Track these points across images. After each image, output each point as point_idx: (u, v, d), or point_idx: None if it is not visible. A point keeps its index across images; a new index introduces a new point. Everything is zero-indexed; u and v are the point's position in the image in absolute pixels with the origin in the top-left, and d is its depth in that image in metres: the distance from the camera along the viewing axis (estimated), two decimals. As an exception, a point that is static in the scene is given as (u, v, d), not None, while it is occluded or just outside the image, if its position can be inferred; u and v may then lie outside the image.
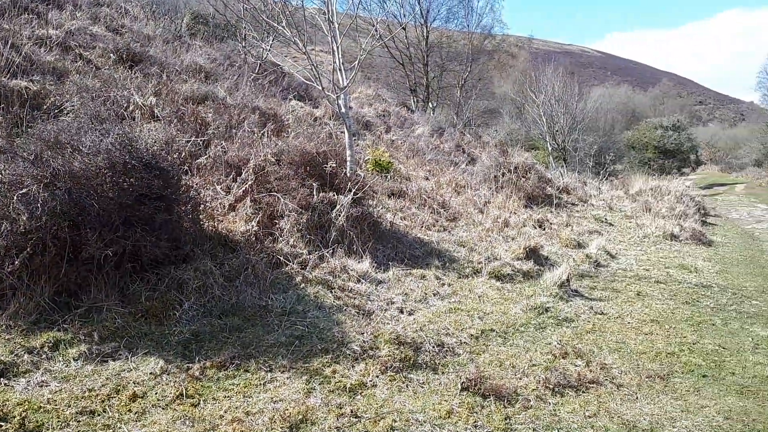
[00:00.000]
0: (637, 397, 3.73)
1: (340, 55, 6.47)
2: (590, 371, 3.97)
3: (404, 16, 22.21)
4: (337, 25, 6.55)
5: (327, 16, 6.20)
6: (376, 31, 7.11)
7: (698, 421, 3.49)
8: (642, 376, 4.02)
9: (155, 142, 5.15)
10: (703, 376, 4.13)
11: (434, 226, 7.79)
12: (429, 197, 8.91)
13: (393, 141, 13.55)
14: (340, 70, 6.52)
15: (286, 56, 17.57)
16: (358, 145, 11.64)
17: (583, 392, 3.72)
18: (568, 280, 5.85)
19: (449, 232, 7.78)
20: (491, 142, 19.63)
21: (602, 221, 10.48)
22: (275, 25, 6.54)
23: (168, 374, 3.38)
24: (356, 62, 6.77)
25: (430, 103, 23.29)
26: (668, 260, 8.02)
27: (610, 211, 11.88)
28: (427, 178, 10.94)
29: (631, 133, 34.50)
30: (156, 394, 3.18)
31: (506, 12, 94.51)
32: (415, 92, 23.01)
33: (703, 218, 12.69)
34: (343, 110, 6.65)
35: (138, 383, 3.25)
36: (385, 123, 14.64)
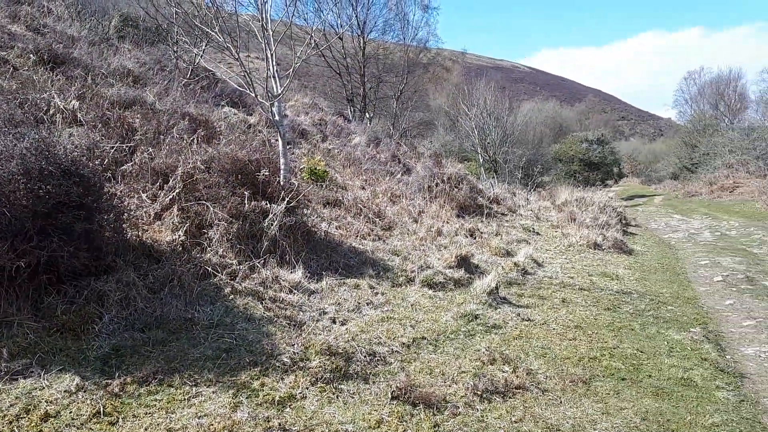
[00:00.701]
0: (560, 401, 3.87)
1: (274, 63, 6.41)
2: (517, 377, 4.09)
3: (341, 26, 22.28)
4: (271, 33, 6.49)
5: (261, 24, 6.13)
6: (312, 39, 7.08)
7: (617, 422, 3.66)
8: (566, 381, 4.18)
9: (76, 147, 4.92)
10: (623, 379, 4.33)
11: (369, 236, 7.82)
12: (365, 206, 8.95)
13: (329, 150, 13.54)
14: (274, 77, 6.46)
15: (220, 62, 17.26)
16: (293, 154, 11.54)
17: (510, 398, 3.83)
18: (496, 288, 6.01)
19: (384, 241, 7.83)
20: (426, 153, 19.98)
21: (530, 231, 10.85)
22: (207, 30, 6.40)
23: (84, 391, 3.21)
24: (291, 70, 6.72)
25: (367, 114, 23.43)
26: (591, 268, 8.40)
27: (537, 221, 12.32)
28: (364, 188, 10.99)
29: (559, 146, 36.00)
30: (70, 412, 3.02)
31: (441, 26, 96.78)
32: (352, 102, 23.08)
33: (625, 228, 13.37)
34: (277, 118, 6.58)
35: (51, 402, 3.07)
36: (321, 132, 14.60)
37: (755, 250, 11.59)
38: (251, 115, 11.89)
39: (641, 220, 17.85)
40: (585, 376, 4.30)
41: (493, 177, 22.88)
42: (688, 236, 13.90)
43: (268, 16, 6.37)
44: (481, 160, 20.15)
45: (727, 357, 5.23)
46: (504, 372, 4.17)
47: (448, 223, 9.77)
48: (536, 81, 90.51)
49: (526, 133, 32.72)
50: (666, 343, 5.32)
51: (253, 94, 6.23)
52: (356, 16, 22.38)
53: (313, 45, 6.80)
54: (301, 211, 6.35)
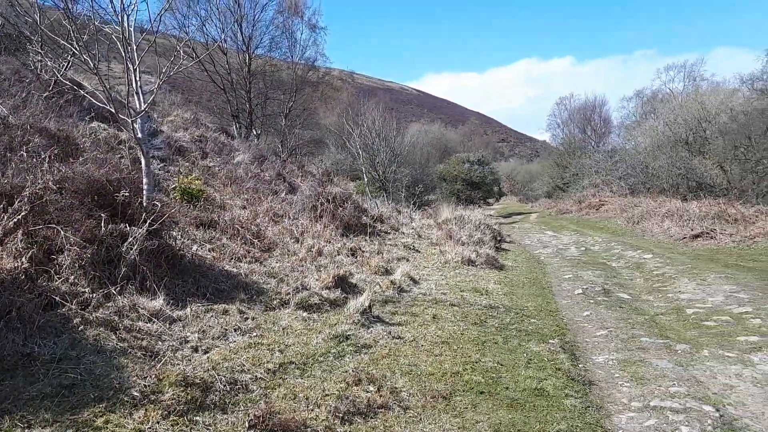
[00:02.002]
0: (420, 418, 3.95)
1: (137, 78, 6.10)
2: (380, 396, 4.13)
3: (225, 41, 21.81)
4: (135, 47, 6.18)
5: (122, 37, 5.82)
6: (181, 53, 6.83)
7: (472, 435, 3.80)
8: (427, 397, 4.28)
9: None
10: (481, 393, 4.52)
11: (245, 258, 7.62)
12: (243, 227, 8.71)
13: (209, 168, 13.09)
14: (137, 93, 6.14)
15: (95, 73, 16.17)
16: (168, 172, 11.04)
17: (372, 418, 3.85)
18: (369, 307, 6.08)
19: (261, 263, 7.66)
20: (317, 172, 19.97)
21: (410, 248, 11.13)
22: (56, 38, 5.97)
23: None
24: (156, 86, 6.43)
25: (253, 131, 23.01)
26: (464, 284, 8.76)
27: (419, 238, 12.68)
28: (245, 207, 10.71)
29: (443, 166, 37.50)
30: None
31: (330, 47, 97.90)
32: (238, 118, 22.57)
33: (498, 245, 14.13)
34: (139, 135, 6.25)
35: None
36: (201, 149, 14.09)
37: (613, 263, 12.70)
38: (122, 130, 11.23)
39: (516, 236, 18.97)
40: (446, 391, 4.43)
41: (384, 196, 23.34)
42: (557, 251, 14.95)
43: (132, 29, 6.07)
44: (366, 180, 20.44)
45: (580, 366, 5.64)
46: (368, 392, 4.19)
47: (330, 242, 9.76)
48: (423, 103, 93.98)
49: (413, 153, 33.74)
50: (525, 355, 5.64)
51: (113, 110, 5.87)
52: (241, 32, 22.02)
53: (182, 59, 6.54)
54: (168, 234, 6.05)
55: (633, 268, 11.89)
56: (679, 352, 6.09)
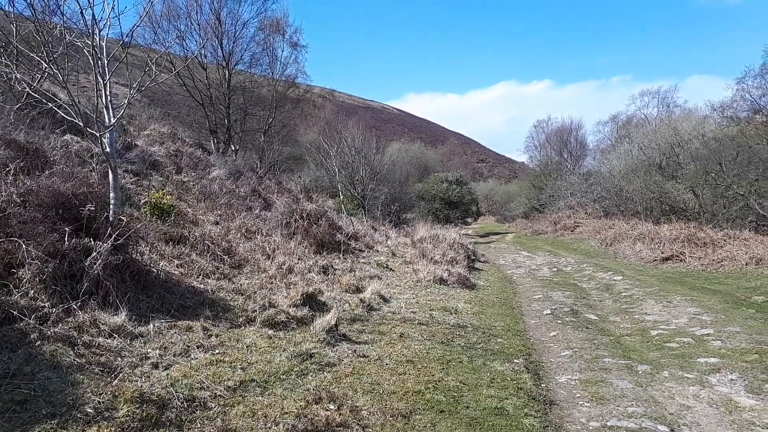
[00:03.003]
0: (379, 437, 3.96)
1: (107, 92, 6.10)
2: (340, 414, 4.13)
3: (205, 56, 21.83)
4: (106, 61, 6.19)
5: (92, 51, 5.82)
6: (164, 66, 6.85)
7: (429, 454, 3.82)
8: (387, 416, 4.29)
9: None
10: (441, 411, 4.54)
11: (214, 274, 7.58)
12: (213, 243, 8.68)
13: (184, 182, 13.02)
14: (106, 107, 6.13)
15: (74, 85, 16.06)
16: (140, 186, 10.96)
17: (329, 437, 3.85)
18: (336, 325, 6.08)
19: (230, 279, 7.62)
20: (295, 188, 19.95)
21: (384, 267, 11.17)
22: (26, 51, 5.96)
23: None
24: (127, 99, 6.43)
25: (232, 146, 22.97)
26: (434, 303, 8.80)
27: (393, 257, 12.72)
28: (217, 223, 10.67)
29: (422, 185, 37.77)
30: None
31: (310, 65, 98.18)
32: (216, 134, 22.52)
33: (472, 264, 14.24)
34: (107, 149, 6.22)
35: None
36: (176, 163, 14.02)
37: (584, 284, 12.87)
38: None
39: (491, 256, 19.13)
40: (407, 410, 4.45)
41: (362, 213, 23.40)
42: (529, 272, 15.11)
43: (104, 44, 6.08)
44: (342, 197, 20.51)
45: (542, 386, 5.71)
46: (328, 410, 4.19)
47: (302, 260, 9.76)
48: (404, 122, 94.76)
49: (393, 172, 33.97)
50: (489, 374, 5.69)
51: (81, 124, 5.84)
52: (221, 48, 22.08)
53: (158, 72, 6.55)
54: (133, 249, 6.01)
55: (603, 289, 12.07)
56: (640, 372, 6.21)
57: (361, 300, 7.75)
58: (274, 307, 6.54)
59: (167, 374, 4.40)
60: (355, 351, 5.75)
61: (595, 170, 37.39)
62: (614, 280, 13.07)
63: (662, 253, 16.35)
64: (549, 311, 9.39)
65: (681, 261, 15.40)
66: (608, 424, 4.71)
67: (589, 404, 5.21)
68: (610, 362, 6.52)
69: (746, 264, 13.28)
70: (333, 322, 6.04)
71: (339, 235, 12.58)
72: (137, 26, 6.30)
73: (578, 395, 5.47)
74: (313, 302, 7.11)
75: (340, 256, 11.34)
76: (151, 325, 5.22)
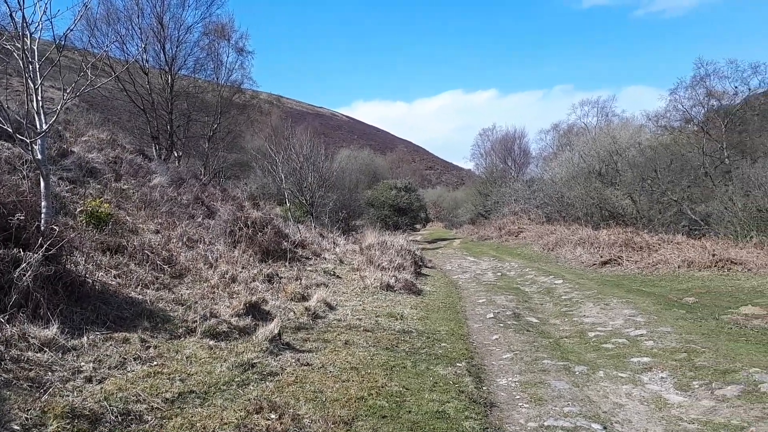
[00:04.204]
0: (320, 445, 3.96)
1: (39, 96, 5.87)
2: (281, 423, 4.10)
3: (147, 61, 21.27)
4: (38, 66, 5.96)
5: (23, 55, 5.60)
6: (102, 69, 6.63)
7: (370, 459, 3.84)
8: (329, 423, 4.29)
9: None
10: (383, 417, 4.58)
11: (153, 284, 7.38)
12: (153, 252, 8.45)
13: (123, 190, 12.63)
14: (38, 113, 5.90)
15: (6, 89, 15.26)
16: (77, 194, 10.56)
17: (270, 446, 3.82)
18: (279, 334, 6.03)
19: (170, 289, 7.44)
20: (241, 196, 19.64)
21: (331, 274, 11.15)
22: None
23: None
24: (60, 105, 6.20)
25: (174, 153, 22.42)
26: (381, 309, 8.86)
27: (340, 264, 12.72)
28: (158, 232, 10.39)
29: (371, 192, 37.93)
30: None
31: (257, 70, 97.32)
32: (158, 140, 21.92)
33: (419, 270, 14.40)
34: (39, 156, 5.99)
35: None
36: (115, 171, 13.59)
37: (526, 288, 13.22)
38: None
39: (438, 261, 19.38)
40: (349, 416, 4.46)
41: (310, 220, 23.25)
42: (474, 276, 15.40)
43: (35, 48, 5.85)
44: (289, 205, 20.35)
45: (483, 388, 5.83)
46: (269, 420, 4.16)
47: (246, 269, 9.62)
48: (353, 129, 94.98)
49: (343, 179, 33.97)
50: (432, 378, 5.77)
51: (10, 129, 5.60)
52: (164, 53, 21.56)
53: (94, 76, 6.36)
54: (67, 259, 5.79)
55: (544, 293, 12.44)
56: (577, 373, 6.43)
57: (306, 308, 7.72)
58: (216, 317, 6.43)
59: (101, 388, 4.26)
60: (298, 360, 5.72)
61: (538, 177, 38.56)
62: (555, 283, 13.48)
63: (601, 257, 16.98)
64: (492, 315, 9.60)
65: (619, 264, 16.03)
66: (545, 424, 4.86)
67: (528, 405, 5.36)
68: (549, 364, 6.73)
69: (678, 267, 13.96)
70: (276, 331, 5.99)
71: (285, 243, 12.48)
72: (71, 29, 6.09)
73: (518, 397, 5.62)
74: (257, 311, 7.03)
75: (287, 264, 11.25)
76: (85, 337, 5.04)
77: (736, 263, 12.90)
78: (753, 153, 26.32)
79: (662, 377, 6.22)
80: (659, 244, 16.69)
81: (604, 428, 4.80)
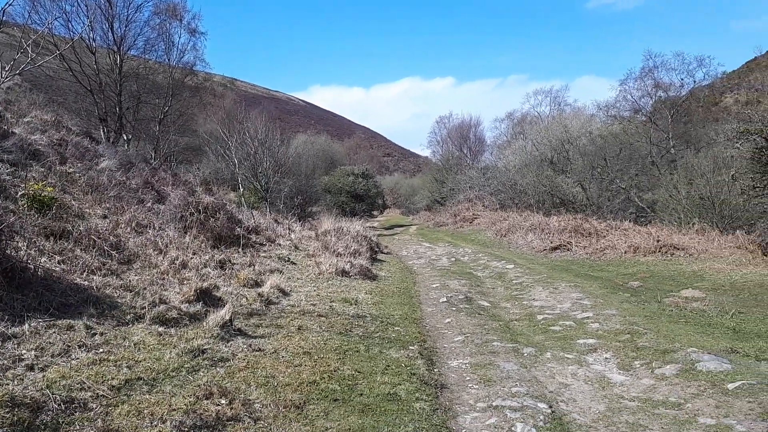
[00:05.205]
0: (271, 428, 3.97)
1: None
2: (231, 408, 4.09)
3: (94, 40, 20.42)
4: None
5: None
6: (45, 48, 6.34)
7: (321, 441, 3.88)
8: (280, 407, 4.30)
9: None
10: (335, 400, 4.62)
11: (100, 270, 7.17)
12: (100, 237, 8.20)
13: (69, 174, 12.16)
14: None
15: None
16: (18, 178, 10.12)
17: (220, 431, 3.81)
18: (231, 320, 5.98)
19: (118, 276, 7.25)
20: (193, 180, 19.19)
21: (285, 260, 11.08)
22: None
23: None
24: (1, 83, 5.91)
25: (123, 135, 21.69)
26: (335, 294, 8.88)
27: (295, 250, 12.65)
28: (105, 217, 10.08)
29: (328, 178, 37.72)
30: None
31: (210, 52, 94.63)
32: (106, 122, 21.14)
33: (374, 255, 14.47)
34: (-25, 138, 5.70)
35: None
36: (60, 153, 13.06)
37: (479, 273, 13.47)
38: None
39: (394, 247, 19.51)
40: (301, 400, 4.49)
41: (265, 206, 22.97)
42: (429, 262, 15.59)
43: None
44: (242, 190, 20.06)
45: (435, 371, 5.94)
46: (219, 405, 4.14)
47: (197, 254, 9.45)
48: (310, 114, 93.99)
49: (299, 164, 33.64)
50: (384, 362, 5.84)
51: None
52: (112, 31, 20.75)
53: (35, 54, 6.07)
54: (6, 244, 5.57)
55: (496, 277, 12.71)
56: (526, 354, 6.63)
57: (259, 294, 7.66)
58: (166, 303, 6.32)
59: (43, 376, 4.14)
60: (250, 345, 5.69)
61: (492, 165, 39.18)
62: (507, 268, 13.79)
63: (551, 242, 17.43)
64: (445, 299, 9.76)
65: (568, 250, 16.51)
66: (494, 404, 5.00)
67: (477, 386, 5.50)
68: (499, 346, 6.91)
69: (625, 252, 14.48)
70: (227, 317, 5.94)
71: (239, 229, 12.31)
72: (11, 4, 5.79)
73: (468, 378, 5.76)
74: (208, 298, 6.93)
75: (240, 250, 11.11)
76: (27, 325, 4.88)
77: (678, 249, 13.47)
78: (697, 143, 27.48)
79: (606, 358, 6.48)
80: (607, 231, 17.24)
81: (550, 407, 4.97)
